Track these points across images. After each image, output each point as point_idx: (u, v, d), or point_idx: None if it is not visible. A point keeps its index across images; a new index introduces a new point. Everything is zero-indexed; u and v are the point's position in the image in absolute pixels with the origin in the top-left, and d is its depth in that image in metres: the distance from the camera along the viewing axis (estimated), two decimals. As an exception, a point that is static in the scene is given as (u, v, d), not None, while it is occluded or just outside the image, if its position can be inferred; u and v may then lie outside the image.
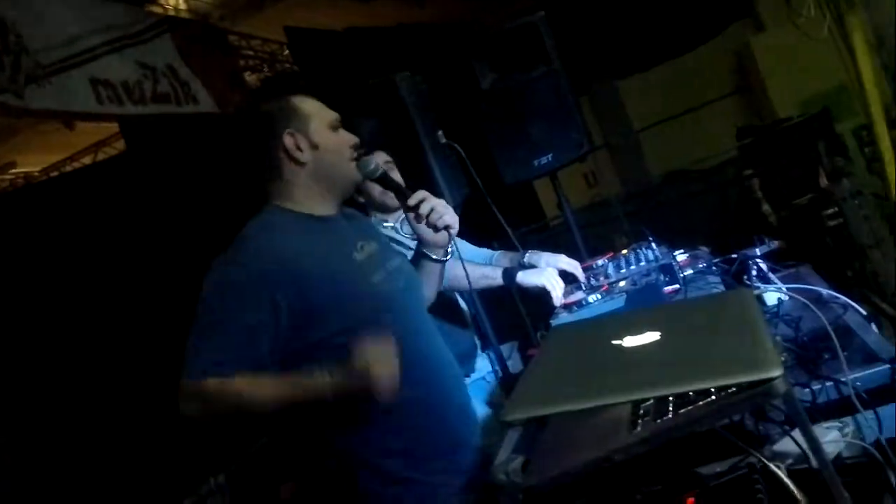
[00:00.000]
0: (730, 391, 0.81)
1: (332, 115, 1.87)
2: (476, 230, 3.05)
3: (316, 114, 1.84)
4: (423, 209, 1.86)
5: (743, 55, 7.56)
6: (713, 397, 0.83)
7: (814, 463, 1.14)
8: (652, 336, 0.98)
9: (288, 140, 1.77)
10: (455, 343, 2.70)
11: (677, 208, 6.83)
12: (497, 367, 2.88)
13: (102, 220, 4.72)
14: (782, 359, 0.85)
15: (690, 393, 0.84)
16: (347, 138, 1.87)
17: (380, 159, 2.76)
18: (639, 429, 0.86)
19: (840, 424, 1.28)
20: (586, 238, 3.57)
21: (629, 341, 0.98)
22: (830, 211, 4.88)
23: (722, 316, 1.00)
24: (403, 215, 2.74)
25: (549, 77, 3.24)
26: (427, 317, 1.97)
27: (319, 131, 1.81)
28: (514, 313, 3.74)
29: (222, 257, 1.69)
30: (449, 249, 1.99)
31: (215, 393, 1.56)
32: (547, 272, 2.47)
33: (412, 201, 1.87)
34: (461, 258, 2.01)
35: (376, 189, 2.72)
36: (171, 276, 4.61)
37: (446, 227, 1.88)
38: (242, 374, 1.57)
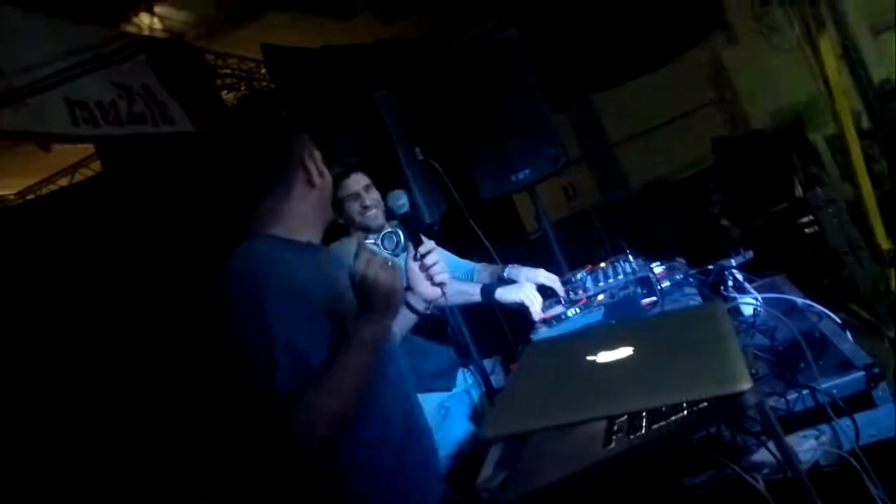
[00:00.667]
0: (701, 405, 0.82)
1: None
2: (456, 245, 3.06)
3: (314, 147, 1.86)
4: (429, 260, 1.90)
5: (716, 67, 7.66)
6: (685, 412, 0.83)
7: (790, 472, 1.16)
8: (626, 351, 0.98)
9: (310, 162, 1.79)
10: (434, 359, 2.71)
11: (656, 220, 6.89)
12: (480, 381, 2.89)
13: (80, 241, 4.68)
14: (754, 371, 0.86)
15: (663, 408, 0.85)
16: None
17: (360, 182, 2.80)
18: (613, 444, 0.87)
19: (817, 433, 1.30)
20: (566, 251, 3.59)
21: (603, 357, 0.98)
22: (806, 219, 4.96)
23: (694, 330, 1.01)
24: (385, 232, 2.77)
25: (525, 92, 3.27)
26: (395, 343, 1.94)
27: (321, 163, 1.83)
28: (497, 328, 3.75)
29: (231, 288, 1.63)
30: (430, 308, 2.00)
31: (303, 415, 1.51)
32: (525, 287, 2.49)
33: (423, 249, 1.91)
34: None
35: (356, 209, 2.74)
36: (150, 297, 4.59)
37: (440, 284, 1.91)
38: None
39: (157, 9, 5.80)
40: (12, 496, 3.90)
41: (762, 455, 1.26)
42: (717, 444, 1.20)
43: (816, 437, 1.26)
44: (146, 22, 5.80)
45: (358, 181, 2.78)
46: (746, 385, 0.77)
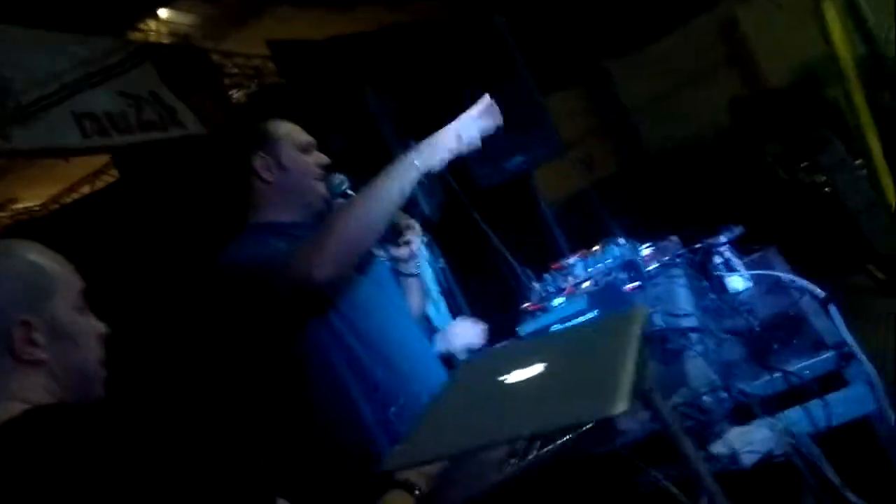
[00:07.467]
0: (585, 428, 0.83)
1: (304, 139, 2.02)
2: (462, 234, 3.05)
3: (286, 137, 1.99)
4: None
5: (730, 27, 7.52)
6: (570, 435, 0.85)
7: (744, 462, 1.18)
8: (536, 369, 0.95)
9: (257, 162, 1.93)
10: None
11: (676, 187, 6.79)
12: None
13: (103, 248, 4.77)
14: (648, 387, 0.86)
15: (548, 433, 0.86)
16: (316, 159, 2.01)
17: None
18: (508, 468, 0.88)
19: (773, 421, 1.30)
20: (580, 229, 3.53)
21: (514, 376, 0.96)
22: (823, 178, 4.88)
23: (603, 343, 0.98)
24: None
25: (514, 79, 3.25)
26: (404, 310, 2.08)
27: (287, 153, 1.96)
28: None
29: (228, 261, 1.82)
30: (417, 264, 2.15)
31: (341, 230, 1.68)
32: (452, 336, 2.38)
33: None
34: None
35: None
36: (172, 299, 4.67)
37: (406, 243, 2.06)
38: None
39: (161, 13, 5.85)
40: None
41: (720, 447, 1.27)
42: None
43: (771, 427, 1.26)
44: (152, 26, 5.85)
45: None
46: (621, 408, 0.77)
